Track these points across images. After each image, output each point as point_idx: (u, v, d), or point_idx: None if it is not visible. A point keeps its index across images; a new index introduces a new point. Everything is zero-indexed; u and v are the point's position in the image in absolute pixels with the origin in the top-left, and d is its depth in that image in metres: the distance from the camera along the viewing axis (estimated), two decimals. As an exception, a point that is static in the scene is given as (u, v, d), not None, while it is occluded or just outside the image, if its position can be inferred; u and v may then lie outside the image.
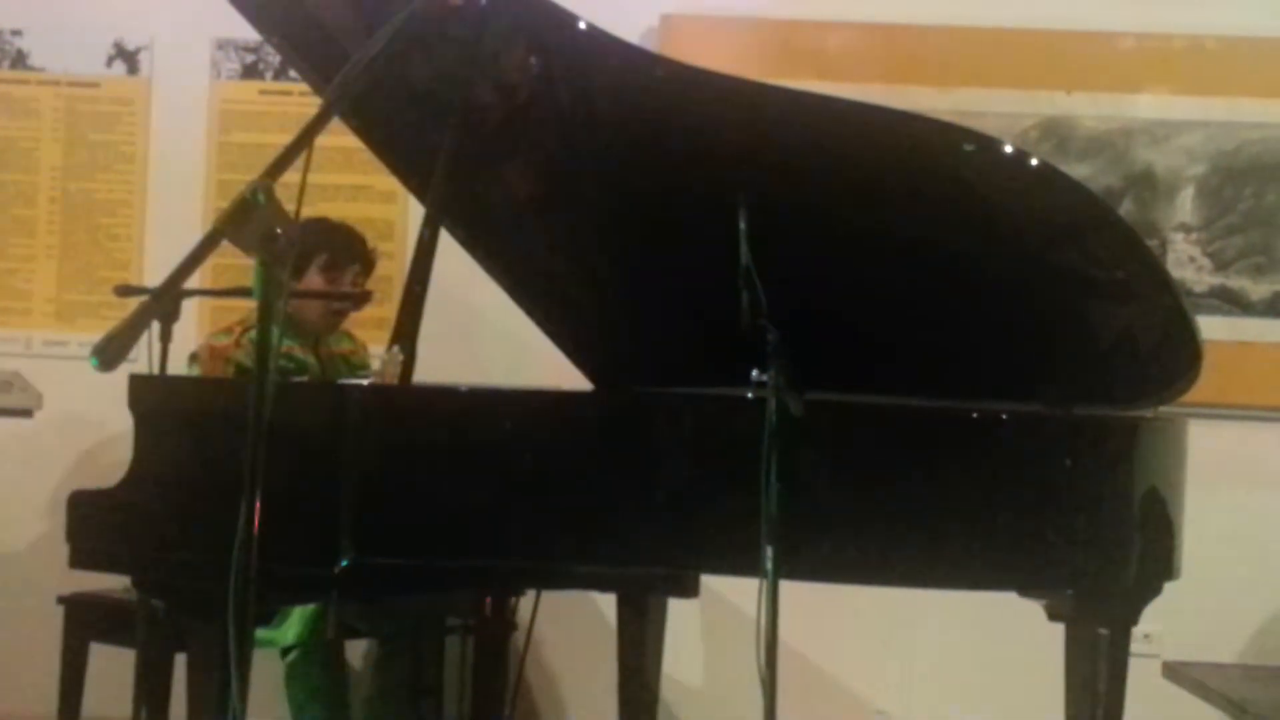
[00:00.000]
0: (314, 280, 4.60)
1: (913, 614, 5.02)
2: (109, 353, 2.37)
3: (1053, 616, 3.52)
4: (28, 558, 5.27)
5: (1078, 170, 4.98)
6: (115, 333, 2.40)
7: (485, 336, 5.14)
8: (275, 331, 2.45)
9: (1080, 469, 3.35)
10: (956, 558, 3.34)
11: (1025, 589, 3.52)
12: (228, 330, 4.55)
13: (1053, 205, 3.41)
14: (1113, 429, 3.45)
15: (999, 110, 5.16)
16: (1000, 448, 3.40)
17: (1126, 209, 5.12)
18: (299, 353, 4.62)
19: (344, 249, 4.65)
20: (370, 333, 4.90)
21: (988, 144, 3.43)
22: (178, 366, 3.81)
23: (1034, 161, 3.48)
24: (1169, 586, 3.47)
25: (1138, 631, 3.49)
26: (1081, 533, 3.31)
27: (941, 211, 3.47)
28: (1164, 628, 4.78)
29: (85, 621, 4.63)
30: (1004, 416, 3.42)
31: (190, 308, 4.93)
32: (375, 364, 3.49)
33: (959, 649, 5.19)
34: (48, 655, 4.70)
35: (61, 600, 4.66)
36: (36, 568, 5.11)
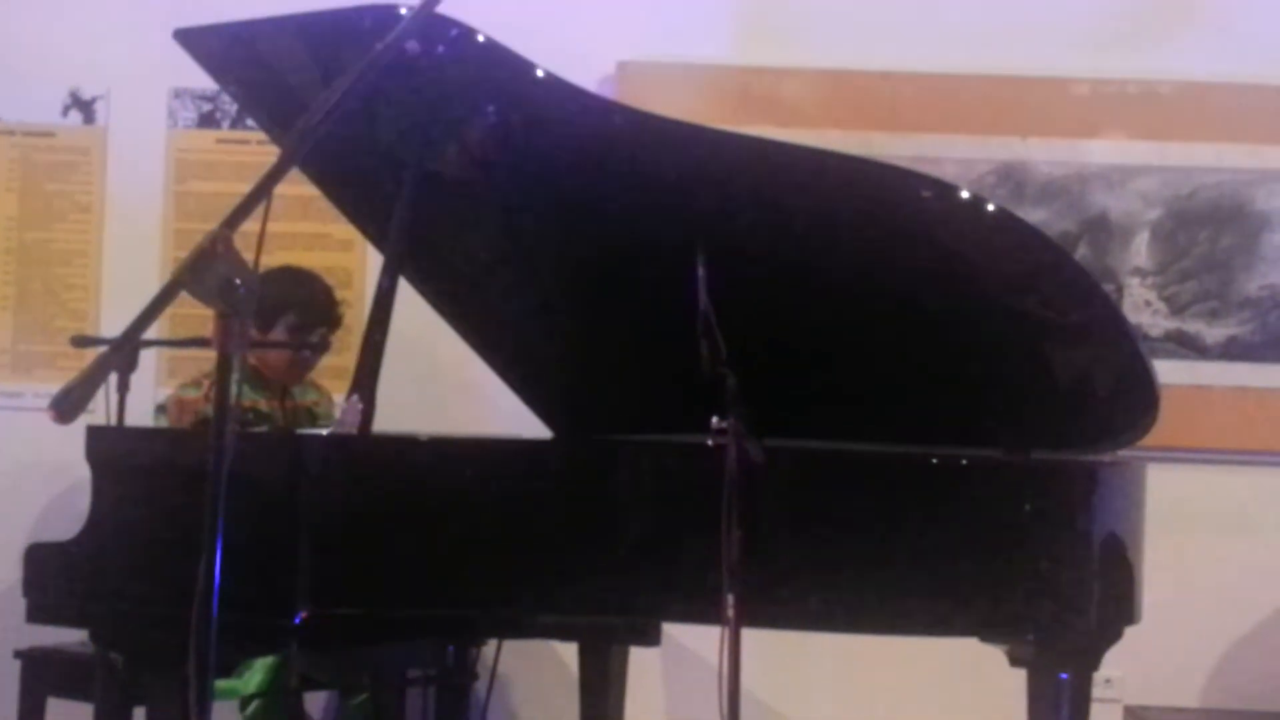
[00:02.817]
0: (280, 337, 4.59)
1: (874, 660, 5.01)
2: (67, 404, 2.35)
3: (1014, 662, 3.51)
4: (-16, 611, 5.22)
5: (1034, 215, 5.02)
6: (74, 384, 2.38)
7: (445, 385, 5.13)
8: (235, 382, 2.44)
9: (1039, 513, 3.35)
10: (917, 604, 3.33)
11: (986, 634, 3.51)
12: (196, 383, 4.54)
13: (1009, 250, 3.42)
14: (1071, 473, 3.45)
15: (955, 156, 5.19)
16: (959, 493, 3.40)
17: (1082, 254, 5.15)
18: (263, 406, 4.61)
19: (312, 310, 4.64)
20: (330, 381, 4.89)
21: (944, 190, 3.45)
22: (136, 417, 3.80)
23: (990, 207, 3.50)
24: (1130, 630, 3.47)
25: (1099, 676, 3.48)
26: (1042, 577, 3.31)
27: (899, 257, 3.48)
28: (1125, 672, 4.79)
29: (42, 676, 4.60)
30: (963, 462, 3.42)
31: (149, 358, 4.95)
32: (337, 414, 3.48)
33: (921, 695, 5.18)
34: (4, 711, 4.66)
35: (18, 654, 4.63)
36: (-8, 621, 5.07)
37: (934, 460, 3.43)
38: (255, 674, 4.44)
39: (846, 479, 3.41)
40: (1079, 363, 3.55)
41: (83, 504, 3.40)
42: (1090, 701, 3.44)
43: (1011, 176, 5.25)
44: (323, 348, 4.67)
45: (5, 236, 5.45)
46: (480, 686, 4.56)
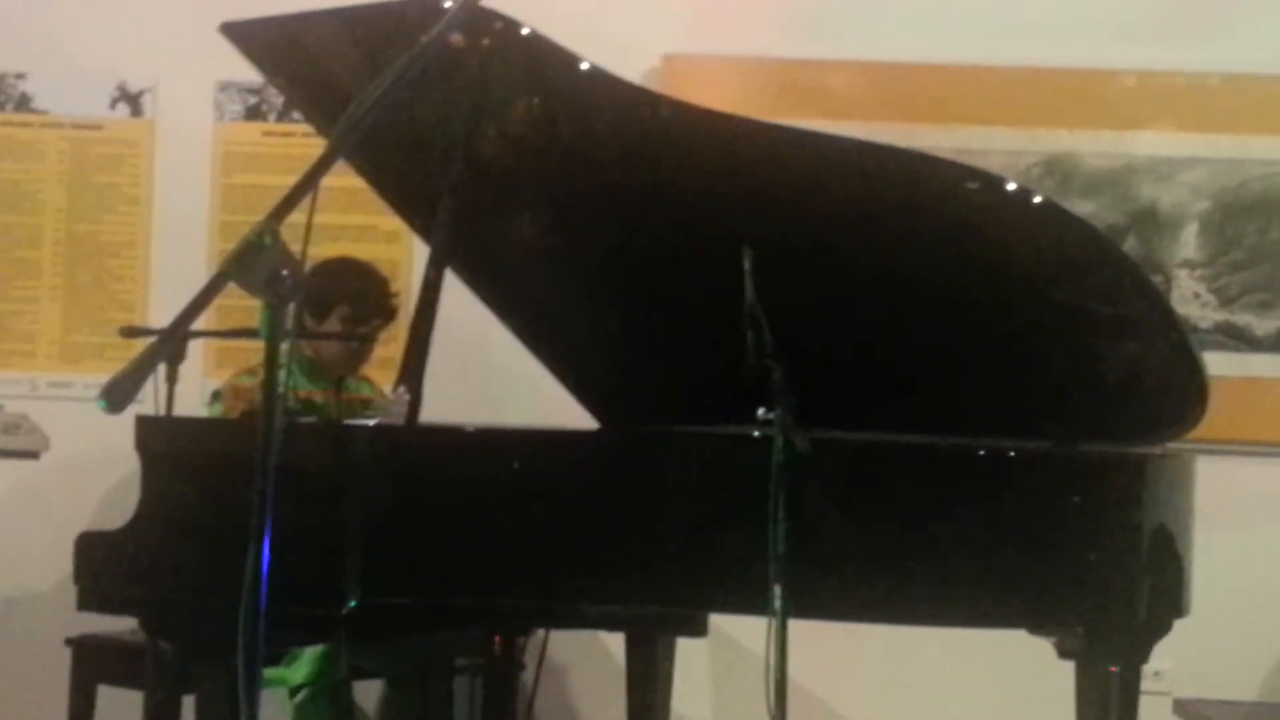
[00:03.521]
0: (335, 328, 4.61)
1: (922, 652, 4.99)
2: (117, 394, 2.36)
3: (1063, 654, 3.51)
4: (35, 600, 5.25)
5: (1081, 207, 4.99)
6: (123, 374, 2.39)
7: (492, 375, 5.13)
8: (283, 373, 2.45)
9: (1088, 505, 3.35)
10: (965, 596, 3.33)
11: (1034, 627, 3.51)
12: (252, 371, 4.55)
13: (1057, 242, 3.41)
14: (1120, 465, 3.44)
15: (1002, 148, 5.17)
16: (1008, 484, 3.40)
17: (1131, 245, 5.12)
18: (318, 397, 4.63)
19: (367, 302, 4.66)
20: (378, 372, 4.91)
21: (991, 181, 3.44)
22: (184, 407, 3.82)
23: (1037, 199, 3.49)
24: (1180, 623, 3.46)
25: (1148, 669, 3.47)
26: (1090, 570, 3.30)
27: (945, 249, 3.47)
28: (1175, 665, 4.76)
29: (93, 664, 4.63)
30: (1011, 453, 3.42)
31: (196, 349, 4.97)
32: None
33: (969, 687, 5.17)
34: (56, 698, 4.69)
35: (69, 642, 4.66)
36: (44, 610, 5.10)
37: (981, 452, 3.43)
38: (303, 664, 4.46)
39: (893, 470, 3.41)
40: (1127, 355, 3.54)
41: (132, 494, 3.43)
42: (1139, 694, 3.42)
43: (1058, 169, 5.22)
44: (372, 338, 4.68)
45: (55, 228, 5.48)
46: (527, 676, 4.56)
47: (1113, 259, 3.49)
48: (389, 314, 4.74)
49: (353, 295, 4.63)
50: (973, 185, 3.40)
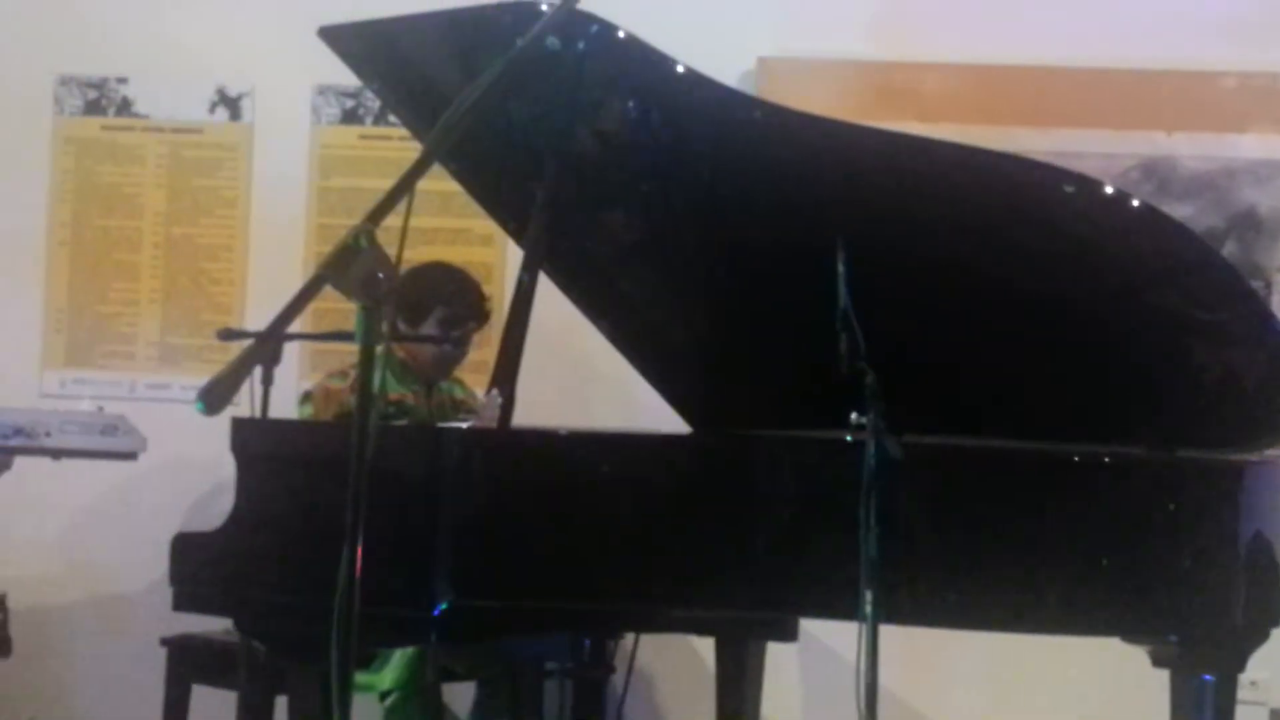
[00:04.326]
0: (431, 331, 4.63)
1: (1014, 659, 4.96)
2: (214, 396, 2.38)
3: (1157, 662, 3.47)
4: (132, 600, 5.31)
5: (1179, 211, 4.93)
6: (220, 376, 2.41)
7: (585, 379, 5.15)
8: (377, 375, 2.46)
9: (1184, 513, 3.31)
10: (1057, 603, 3.30)
11: (1128, 635, 3.47)
12: (343, 374, 4.58)
13: (1154, 246, 3.38)
14: (1217, 472, 3.40)
15: (1098, 151, 5.12)
16: (1102, 491, 3.37)
17: (1230, 250, 5.06)
18: (410, 400, 4.66)
19: (462, 306, 4.68)
20: (471, 376, 4.93)
21: (1088, 185, 3.41)
22: (279, 409, 3.84)
23: (1135, 202, 3.45)
24: (1276, 632, 3.42)
25: (1244, 678, 3.43)
26: (1186, 577, 3.27)
27: (1040, 252, 3.45)
28: (1271, 674, 4.70)
29: (188, 663, 4.68)
30: (1105, 459, 3.39)
31: (292, 351, 5.01)
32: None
33: (1061, 696, 5.13)
34: (151, 697, 4.74)
35: (165, 642, 4.71)
36: (140, 610, 5.15)
37: (1075, 458, 3.40)
38: (391, 669, 4.48)
39: (986, 475, 3.39)
40: (1225, 361, 3.50)
41: (228, 495, 3.45)
42: (1235, 703, 3.39)
43: (1156, 172, 5.17)
44: (465, 341, 4.70)
45: (154, 231, 5.54)
46: (617, 679, 4.57)
47: (1211, 263, 3.45)
48: (483, 317, 4.76)
49: (448, 299, 4.65)
50: (1069, 188, 3.37)
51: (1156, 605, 3.29)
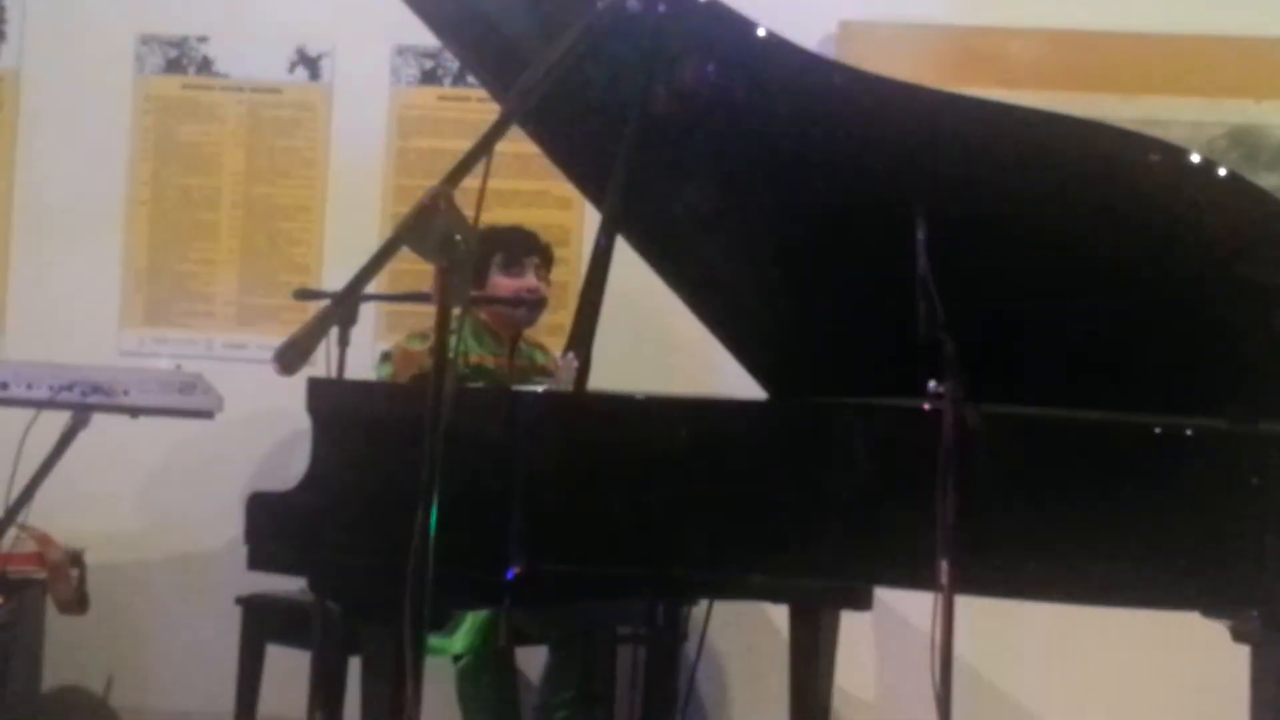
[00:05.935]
0: (498, 281, 4.65)
1: (1091, 631, 4.92)
2: (290, 356, 2.39)
3: (1237, 638, 3.44)
4: (208, 559, 5.35)
5: (1268, 180, 4.88)
6: (297, 336, 2.42)
7: (662, 343, 5.14)
8: (454, 337, 2.46)
9: (1266, 485, 3.27)
10: (1136, 575, 3.27)
11: (1208, 609, 3.44)
12: (423, 335, 4.58)
13: (1241, 216, 3.33)
14: (1302, 445, 3.36)
15: (1185, 119, 5.07)
16: (1183, 462, 3.33)
17: (1318, 221, 5.00)
18: (489, 362, 4.66)
19: (518, 243, 4.69)
20: (548, 338, 4.93)
21: (1174, 153, 3.36)
22: (356, 370, 3.85)
23: (1222, 171, 3.40)
24: (1358, 609, 3.38)
25: (1325, 655, 3.39)
26: (1268, 552, 3.23)
27: (1125, 221, 3.41)
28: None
29: (262, 622, 4.70)
30: (1188, 431, 3.35)
31: (368, 312, 5.02)
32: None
33: (1138, 668, 5.09)
34: (226, 655, 4.77)
35: (239, 601, 4.74)
36: (216, 569, 5.20)
37: (1157, 429, 3.36)
38: (463, 633, 4.49)
39: (1065, 446, 3.36)
40: (1311, 332, 3.46)
41: (303, 455, 3.46)
42: (1316, 680, 3.35)
43: (1244, 141, 5.11)
44: (538, 293, 4.68)
45: (233, 191, 5.56)
46: (690, 646, 4.57)
47: (1300, 234, 3.40)
48: (543, 251, 4.75)
49: (502, 242, 4.67)
50: (1155, 157, 3.33)
51: (1237, 580, 3.25)
